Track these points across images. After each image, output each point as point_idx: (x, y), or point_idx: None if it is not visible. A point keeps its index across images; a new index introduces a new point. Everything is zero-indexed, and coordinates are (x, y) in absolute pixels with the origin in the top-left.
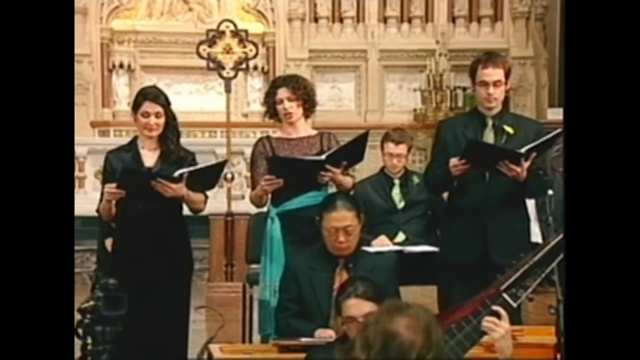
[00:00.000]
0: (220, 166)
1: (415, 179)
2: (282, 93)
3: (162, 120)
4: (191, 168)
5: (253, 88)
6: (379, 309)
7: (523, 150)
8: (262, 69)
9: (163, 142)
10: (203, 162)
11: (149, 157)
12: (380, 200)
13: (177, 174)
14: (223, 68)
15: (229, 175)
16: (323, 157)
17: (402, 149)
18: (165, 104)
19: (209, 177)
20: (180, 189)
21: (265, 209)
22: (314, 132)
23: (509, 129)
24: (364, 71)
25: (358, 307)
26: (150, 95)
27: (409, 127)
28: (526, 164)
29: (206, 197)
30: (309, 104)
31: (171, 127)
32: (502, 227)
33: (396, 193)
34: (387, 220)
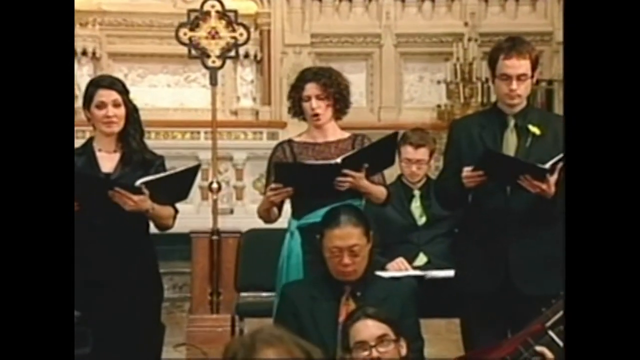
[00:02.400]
0: (191, 173)
1: None
2: (311, 89)
3: (121, 111)
4: (156, 176)
5: (244, 80)
6: (244, 337)
7: (548, 165)
8: (255, 57)
9: (124, 142)
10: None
11: (107, 161)
12: (396, 215)
13: (139, 182)
14: (208, 56)
15: (214, 185)
16: (339, 160)
17: (422, 153)
18: (123, 91)
19: (178, 187)
20: (143, 201)
21: (268, 226)
22: (345, 135)
23: (535, 130)
24: (378, 60)
25: (369, 329)
26: (103, 82)
27: (432, 127)
28: (553, 178)
29: (176, 210)
30: (341, 104)
31: (132, 120)
32: (527, 250)
33: (416, 206)
34: (405, 240)
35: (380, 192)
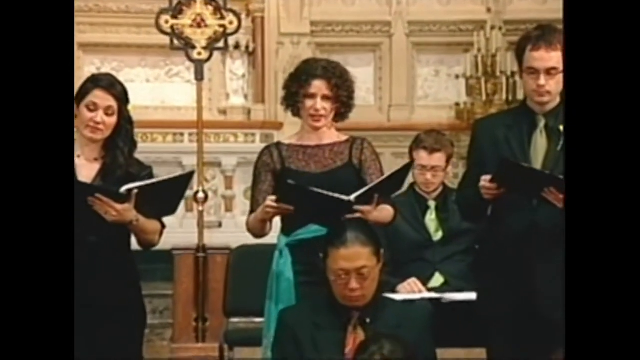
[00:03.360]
0: (184, 181)
1: None
2: (319, 87)
3: (112, 120)
4: (143, 182)
5: (234, 75)
6: None
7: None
8: (247, 48)
9: (109, 153)
10: (165, 174)
11: (86, 170)
12: (409, 229)
13: (124, 189)
14: (193, 47)
15: (200, 195)
16: (352, 197)
17: (438, 159)
18: (122, 98)
19: (168, 197)
20: (128, 210)
21: (261, 241)
22: (342, 138)
23: None
24: (387, 51)
25: None
26: (103, 82)
27: (449, 128)
28: None
29: (163, 225)
30: (346, 108)
31: (124, 132)
32: (554, 271)
33: (431, 219)
34: (419, 257)
35: (387, 215)
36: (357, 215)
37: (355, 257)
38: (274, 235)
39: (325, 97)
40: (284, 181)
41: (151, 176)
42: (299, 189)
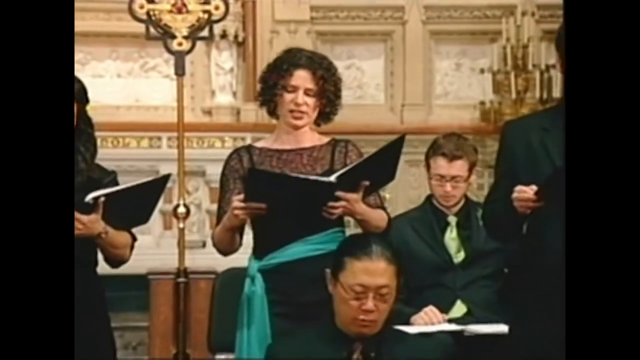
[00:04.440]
0: (158, 186)
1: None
2: (301, 79)
3: None
4: (112, 189)
5: (221, 69)
6: None
7: None
8: (236, 37)
9: None
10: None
11: None
12: (425, 249)
13: (89, 197)
14: (172, 36)
15: (181, 210)
16: (332, 177)
17: (460, 167)
18: (80, 97)
19: (140, 204)
20: (95, 221)
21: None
22: (323, 140)
23: None
24: (400, 41)
25: None
26: None
27: (472, 131)
28: None
29: (134, 238)
30: (332, 107)
31: (84, 137)
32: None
33: (451, 238)
34: (438, 283)
35: (380, 217)
36: (342, 203)
37: (378, 272)
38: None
39: (308, 92)
40: (251, 174)
41: (115, 182)
42: (272, 176)
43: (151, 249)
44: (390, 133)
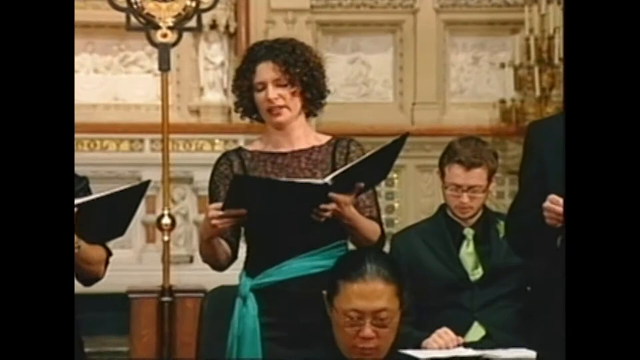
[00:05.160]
0: (136, 193)
1: (503, 229)
2: (265, 72)
3: None
4: (86, 198)
5: (210, 63)
6: None
7: None
8: (227, 28)
9: None
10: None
11: None
12: (439, 265)
13: None
14: (156, 27)
15: (166, 221)
16: (327, 179)
17: (478, 176)
18: None
19: (116, 215)
20: None
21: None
22: (322, 140)
23: None
24: (410, 32)
25: None
26: None
27: (492, 133)
28: None
29: (109, 253)
30: (313, 91)
31: None
32: None
33: (468, 253)
34: (453, 303)
35: (371, 229)
36: (332, 206)
37: (374, 295)
38: None
39: (277, 83)
40: (235, 181)
41: (88, 190)
42: (256, 182)
43: (132, 265)
44: (399, 134)
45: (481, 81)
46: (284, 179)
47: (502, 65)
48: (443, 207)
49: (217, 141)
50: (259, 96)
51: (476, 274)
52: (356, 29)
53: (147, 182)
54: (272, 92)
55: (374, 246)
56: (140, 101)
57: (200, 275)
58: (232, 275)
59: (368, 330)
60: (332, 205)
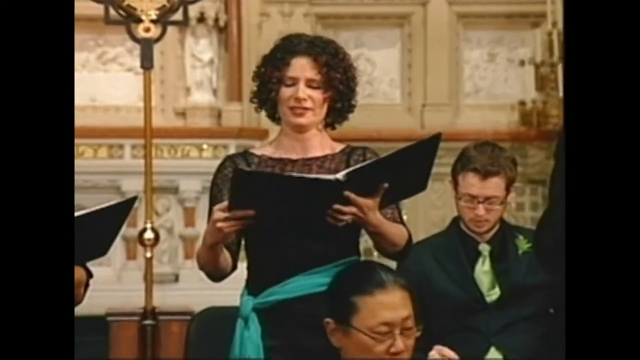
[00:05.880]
0: (121, 211)
1: (523, 244)
2: (300, 68)
3: None
4: None
5: (198, 60)
6: None
7: None
8: (216, 21)
9: None
10: (95, 204)
11: None
12: (451, 285)
13: None
14: (137, 20)
15: (148, 235)
16: (340, 175)
17: (495, 186)
18: None
19: (98, 235)
20: None
21: (232, 301)
22: (336, 148)
23: None
24: (420, 27)
25: None
26: None
27: (510, 137)
28: None
29: (89, 274)
30: (344, 102)
31: None
32: None
33: (484, 271)
34: (467, 326)
35: (399, 233)
36: (352, 209)
37: (399, 303)
38: None
39: (311, 83)
40: (237, 177)
41: None
42: (263, 178)
43: (111, 284)
44: (407, 140)
45: (498, 80)
46: (293, 174)
47: (522, 63)
48: (456, 220)
49: (205, 147)
50: (286, 91)
51: (493, 294)
52: (359, 23)
53: (134, 199)
54: (303, 91)
55: (401, 251)
56: (120, 102)
57: (186, 296)
58: (222, 295)
59: (400, 343)
60: (352, 209)
